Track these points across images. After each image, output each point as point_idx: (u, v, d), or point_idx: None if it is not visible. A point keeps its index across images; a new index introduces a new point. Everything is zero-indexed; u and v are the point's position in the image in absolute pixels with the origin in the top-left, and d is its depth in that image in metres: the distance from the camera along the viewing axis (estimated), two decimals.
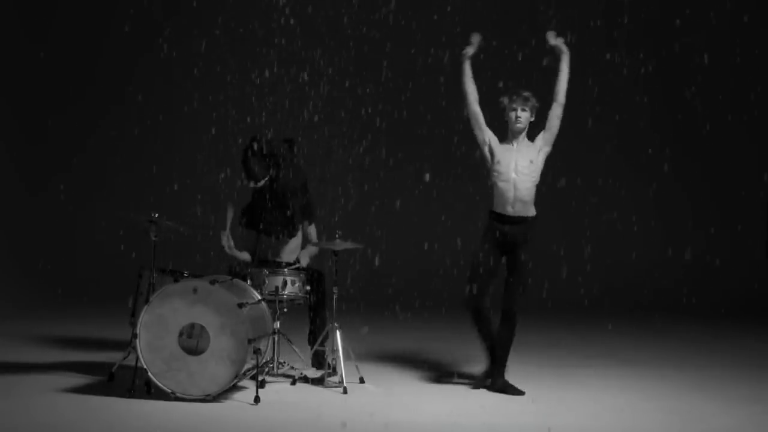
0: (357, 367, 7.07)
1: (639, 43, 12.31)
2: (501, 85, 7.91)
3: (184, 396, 6.25)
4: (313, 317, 7.32)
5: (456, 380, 7.20)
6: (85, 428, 5.67)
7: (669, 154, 12.48)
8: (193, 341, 6.28)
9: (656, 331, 10.17)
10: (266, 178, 7.21)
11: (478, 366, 7.25)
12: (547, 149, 6.89)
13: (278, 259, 7.41)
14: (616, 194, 12.58)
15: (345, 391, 6.70)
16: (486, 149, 6.91)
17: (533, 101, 6.86)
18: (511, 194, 6.80)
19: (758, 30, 12.33)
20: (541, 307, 10.25)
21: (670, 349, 8.92)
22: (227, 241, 7.30)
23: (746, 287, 11.87)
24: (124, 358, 6.81)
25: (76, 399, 6.32)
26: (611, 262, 12.18)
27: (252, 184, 7.24)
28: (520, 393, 6.79)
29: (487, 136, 6.92)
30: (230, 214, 7.39)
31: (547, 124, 6.89)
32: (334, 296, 6.98)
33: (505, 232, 6.80)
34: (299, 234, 7.50)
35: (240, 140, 10.25)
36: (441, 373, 7.50)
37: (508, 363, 6.94)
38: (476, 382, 7.02)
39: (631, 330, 10.11)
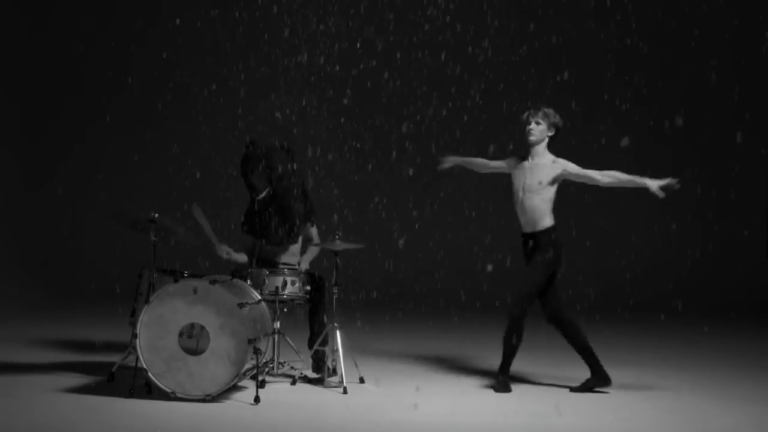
0: (357, 366, 7.08)
1: (640, 42, 12.33)
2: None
3: (184, 396, 6.25)
4: (312, 322, 7.33)
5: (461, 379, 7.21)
6: (85, 428, 5.67)
7: (669, 154, 12.49)
8: (193, 341, 6.27)
9: (656, 331, 10.17)
10: (267, 189, 7.25)
11: (479, 364, 7.24)
12: (565, 176, 6.92)
13: (279, 261, 7.41)
14: (616, 194, 12.58)
15: (345, 391, 6.70)
16: (497, 163, 7.13)
17: (551, 116, 6.92)
18: (519, 214, 6.95)
19: (759, 30, 12.34)
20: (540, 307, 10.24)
21: (670, 349, 8.92)
22: (225, 249, 7.29)
23: (746, 287, 11.87)
24: (124, 359, 6.81)
25: (76, 399, 6.31)
26: (610, 263, 12.18)
27: (254, 196, 7.29)
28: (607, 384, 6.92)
29: (507, 164, 7.07)
30: (202, 217, 7.31)
31: (580, 173, 6.88)
32: (335, 296, 6.98)
33: (526, 248, 6.93)
34: (300, 238, 7.51)
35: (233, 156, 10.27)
36: (441, 373, 7.50)
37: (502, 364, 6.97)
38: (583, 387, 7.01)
39: (630, 330, 10.12)
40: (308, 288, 7.01)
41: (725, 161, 12.52)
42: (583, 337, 6.97)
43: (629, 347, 8.99)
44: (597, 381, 6.89)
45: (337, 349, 6.87)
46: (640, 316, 11.01)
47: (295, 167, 7.37)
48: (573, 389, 6.92)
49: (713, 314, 10.97)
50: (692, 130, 12.41)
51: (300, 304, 7.23)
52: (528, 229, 6.90)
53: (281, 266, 7.21)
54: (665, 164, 12.47)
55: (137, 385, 6.36)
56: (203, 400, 6.24)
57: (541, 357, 8.20)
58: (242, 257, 7.40)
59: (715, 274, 12.15)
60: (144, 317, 6.31)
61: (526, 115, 6.97)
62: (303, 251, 7.53)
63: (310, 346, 7.30)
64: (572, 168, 6.89)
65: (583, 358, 6.96)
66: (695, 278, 12.11)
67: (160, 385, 6.25)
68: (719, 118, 12.52)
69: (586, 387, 6.89)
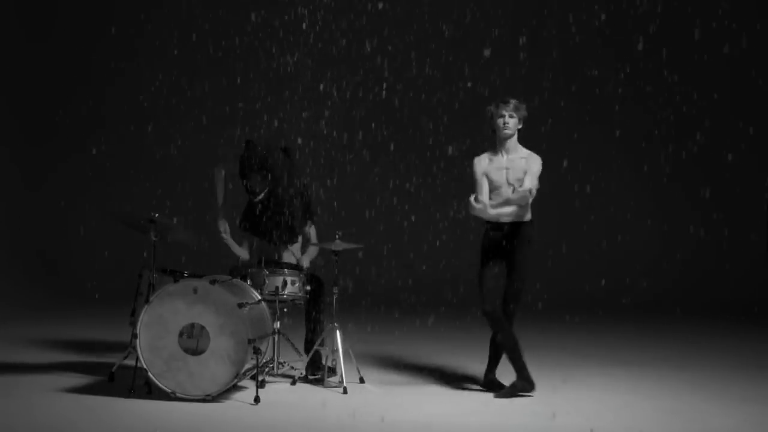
0: (357, 367, 7.08)
1: (639, 40, 12.33)
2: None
3: (184, 396, 6.26)
4: (309, 325, 7.31)
5: (463, 385, 7.22)
6: (85, 428, 5.67)
7: (669, 154, 12.49)
8: (193, 341, 6.28)
9: (656, 331, 10.18)
10: (265, 191, 7.24)
11: (478, 364, 7.25)
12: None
13: (278, 261, 7.41)
14: (616, 194, 12.59)
15: (345, 391, 6.70)
16: (484, 180, 6.77)
17: (522, 109, 6.78)
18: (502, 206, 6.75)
19: (760, 29, 12.34)
20: (540, 307, 10.25)
21: (670, 349, 8.92)
22: (224, 225, 7.28)
23: (746, 287, 11.87)
24: (124, 358, 6.81)
25: (76, 399, 6.32)
26: (611, 262, 12.18)
27: (251, 198, 7.28)
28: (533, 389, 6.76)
29: (481, 172, 6.78)
30: (222, 182, 7.31)
31: (530, 178, 6.73)
32: (335, 296, 6.98)
33: (500, 239, 6.75)
34: (300, 237, 7.51)
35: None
36: (441, 373, 7.50)
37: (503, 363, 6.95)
38: (488, 384, 6.91)
39: (631, 330, 10.12)
40: (308, 288, 7.01)
41: (726, 160, 12.51)
42: (514, 335, 6.72)
43: (629, 347, 9.00)
44: (523, 384, 6.68)
45: (337, 349, 6.87)
46: (640, 316, 11.02)
47: (293, 167, 7.37)
48: (497, 395, 6.69)
49: (712, 314, 10.97)
50: (690, 129, 12.41)
51: (300, 304, 7.23)
52: (508, 219, 6.70)
53: (282, 265, 7.21)
54: (664, 163, 12.53)
55: (137, 385, 6.37)
56: (203, 400, 6.24)
57: (541, 357, 8.21)
58: (243, 252, 7.39)
59: (715, 274, 12.15)
60: (144, 317, 6.31)
61: (493, 107, 6.76)
62: (302, 251, 7.53)
63: (306, 349, 7.28)
64: (532, 172, 6.70)
65: (509, 358, 6.71)
66: (695, 278, 12.11)
67: (160, 385, 6.26)
68: (720, 117, 12.51)
69: (512, 392, 6.67)
